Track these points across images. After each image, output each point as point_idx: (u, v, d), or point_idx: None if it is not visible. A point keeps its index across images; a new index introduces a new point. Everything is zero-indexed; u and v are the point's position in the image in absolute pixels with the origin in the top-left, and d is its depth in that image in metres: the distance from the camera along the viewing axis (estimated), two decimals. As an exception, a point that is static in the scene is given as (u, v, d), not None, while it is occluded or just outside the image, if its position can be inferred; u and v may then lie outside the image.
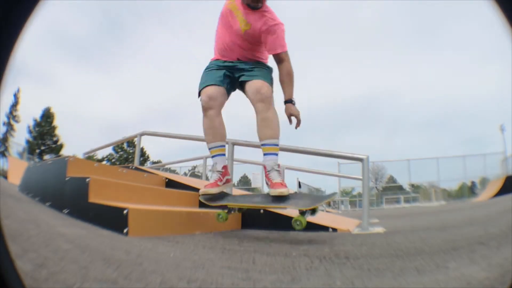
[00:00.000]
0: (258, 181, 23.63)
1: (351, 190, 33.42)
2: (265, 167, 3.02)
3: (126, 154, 45.31)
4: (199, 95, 3.22)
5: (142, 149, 10.03)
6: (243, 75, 3.22)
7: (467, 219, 4.39)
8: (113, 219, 2.63)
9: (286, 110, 3.16)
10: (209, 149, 3.25)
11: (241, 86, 3.29)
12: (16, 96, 38.88)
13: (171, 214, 3.17)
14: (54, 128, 41.19)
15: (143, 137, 7.23)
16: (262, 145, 3.04)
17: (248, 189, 21.23)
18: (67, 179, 3.27)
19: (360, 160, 4.15)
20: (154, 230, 2.78)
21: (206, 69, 3.35)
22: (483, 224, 3.21)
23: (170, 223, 3.04)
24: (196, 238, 2.85)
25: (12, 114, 37.92)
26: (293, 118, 3.18)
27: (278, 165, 3.02)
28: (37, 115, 41.43)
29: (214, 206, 3.16)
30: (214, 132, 3.19)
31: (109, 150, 45.81)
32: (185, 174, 20.26)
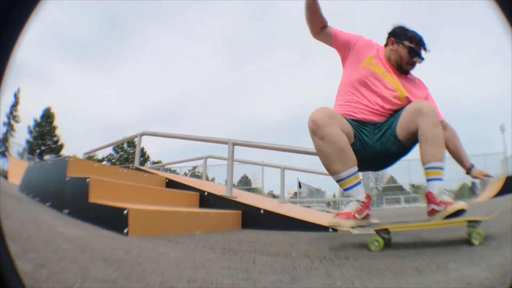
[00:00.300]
0: (258, 181, 23.60)
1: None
2: (429, 193, 2.45)
3: (126, 154, 45.29)
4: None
5: (142, 149, 10.03)
6: (393, 125, 2.66)
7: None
8: (113, 219, 2.63)
9: (477, 174, 2.72)
10: (340, 181, 2.55)
11: (384, 138, 2.67)
12: (16, 96, 38.89)
13: (171, 214, 3.17)
14: (54, 128, 41.19)
15: (143, 137, 7.23)
16: (428, 169, 2.48)
17: (248, 190, 21.21)
18: (67, 179, 3.27)
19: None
20: (154, 230, 2.78)
21: None
22: (483, 224, 3.20)
23: (170, 223, 3.04)
24: (196, 238, 2.85)
25: (12, 114, 37.93)
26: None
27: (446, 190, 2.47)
28: (37, 115, 41.44)
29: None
30: (343, 156, 2.48)
31: (109, 150, 45.81)
32: (185, 174, 20.26)
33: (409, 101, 2.67)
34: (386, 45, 2.81)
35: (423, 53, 2.72)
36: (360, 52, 2.76)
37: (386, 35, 2.83)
